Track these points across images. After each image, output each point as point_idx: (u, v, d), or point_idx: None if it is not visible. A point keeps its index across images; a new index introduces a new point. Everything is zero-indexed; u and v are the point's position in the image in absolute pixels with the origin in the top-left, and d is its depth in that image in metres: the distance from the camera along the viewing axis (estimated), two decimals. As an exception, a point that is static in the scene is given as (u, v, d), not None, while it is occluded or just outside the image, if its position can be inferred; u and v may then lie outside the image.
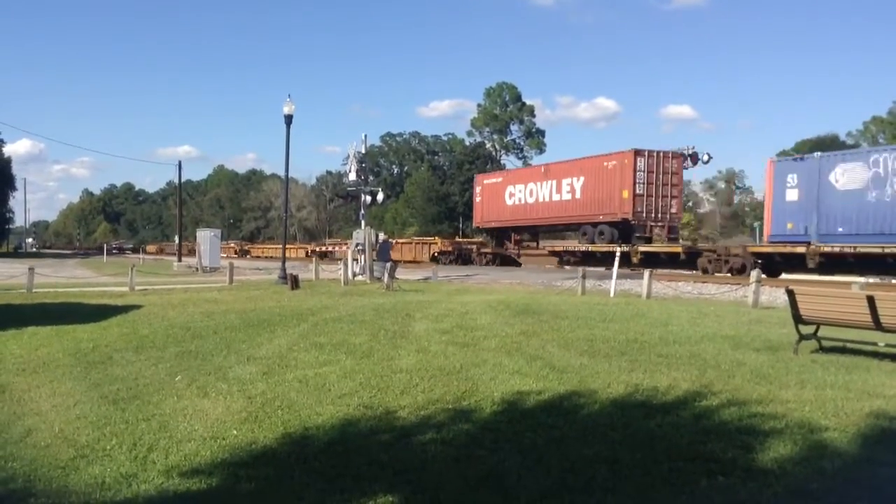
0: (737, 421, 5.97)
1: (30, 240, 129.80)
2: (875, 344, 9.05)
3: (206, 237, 39.67)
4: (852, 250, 23.94)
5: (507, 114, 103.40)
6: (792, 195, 26.30)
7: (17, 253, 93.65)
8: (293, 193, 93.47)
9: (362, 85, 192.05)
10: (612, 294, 19.75)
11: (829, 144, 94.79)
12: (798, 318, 9.47)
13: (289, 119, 26.21)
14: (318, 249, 58.88)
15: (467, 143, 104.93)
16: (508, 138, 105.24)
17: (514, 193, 42.03)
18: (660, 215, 33.83)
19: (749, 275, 18.69)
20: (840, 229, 24.80)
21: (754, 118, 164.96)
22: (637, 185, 33.27)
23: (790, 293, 9.58)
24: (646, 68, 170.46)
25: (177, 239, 54.91)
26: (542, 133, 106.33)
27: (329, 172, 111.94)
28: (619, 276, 21.71)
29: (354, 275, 27.17)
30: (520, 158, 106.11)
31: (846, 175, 24.76)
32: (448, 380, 7.73)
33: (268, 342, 10.54)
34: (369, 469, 4.91)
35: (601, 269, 29.08)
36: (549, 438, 5.54)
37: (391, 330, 11.55)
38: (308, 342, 10.44)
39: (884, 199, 23.61)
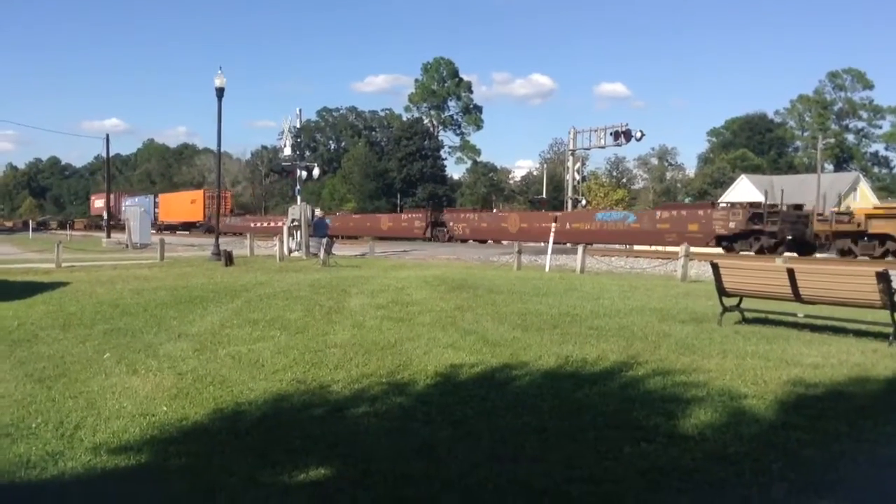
0: (661, 390, 6.17)
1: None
2: (794, 315, 9.43)
3: (135, 213, 38.72)
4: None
5: (444, 89, 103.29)
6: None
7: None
8: (227, 168, 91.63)
9: (297, 60, 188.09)
10: (547, 269, 20.05)
11: (757, 123, 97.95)
12: (722, 291, 9.79)
13: (220, 92, 25.68)
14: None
15: (405, 119, 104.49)
16: (446, 114, 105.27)
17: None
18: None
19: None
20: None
21: (686, 97, 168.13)
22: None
23: (714, 266, 9.88)
24: (580, 46, 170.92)
25: (105, 214, 53.42)
26: (479, 109, 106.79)
27: (264, 147, 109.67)
28: (555, 252, 22.05)
29: (290, 251, 26.93)
30: (457, 135, 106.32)
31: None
32: (382, 354, 7.77)
33: (200, 319, 10.39)
34: (302, 443, 4.91)
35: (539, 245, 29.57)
36: (481, 410, 5.64)
37: (326, 305, 11.51)
38: (241, 318, 10.33)
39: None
